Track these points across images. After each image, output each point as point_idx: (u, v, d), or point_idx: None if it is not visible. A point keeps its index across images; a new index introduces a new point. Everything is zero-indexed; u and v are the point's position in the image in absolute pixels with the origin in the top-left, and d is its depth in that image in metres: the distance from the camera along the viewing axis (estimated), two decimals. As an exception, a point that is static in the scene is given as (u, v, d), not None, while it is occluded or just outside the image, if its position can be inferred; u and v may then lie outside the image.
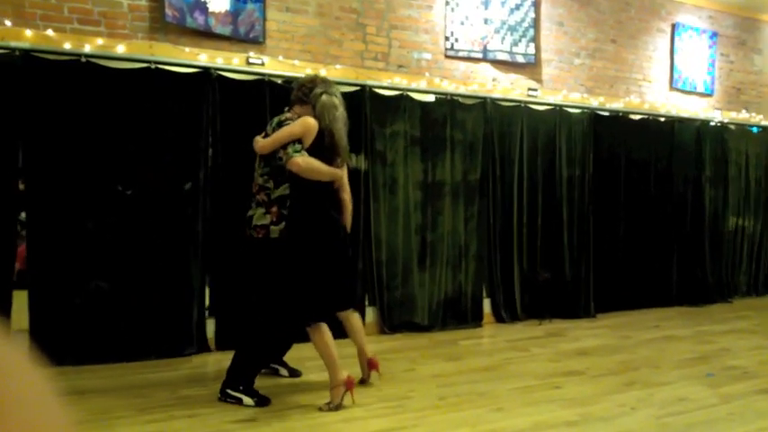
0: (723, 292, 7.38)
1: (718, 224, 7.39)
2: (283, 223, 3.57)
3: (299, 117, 3.53)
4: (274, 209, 3.60)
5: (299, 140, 3.40)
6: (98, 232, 4.34)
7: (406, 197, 5.47)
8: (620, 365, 4.53)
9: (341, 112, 3.54)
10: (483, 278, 5.89)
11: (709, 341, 5.36)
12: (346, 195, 3.79)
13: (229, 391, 3.58)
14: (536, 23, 6.36)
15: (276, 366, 4.15)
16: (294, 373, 4.14)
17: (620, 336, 5.52)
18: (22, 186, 4.33)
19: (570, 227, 6.31)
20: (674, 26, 7.39)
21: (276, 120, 3.60)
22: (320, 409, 3.47)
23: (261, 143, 3.57)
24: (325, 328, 3.48)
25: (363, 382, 3.93)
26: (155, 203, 4.49)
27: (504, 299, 5.98)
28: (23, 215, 4.37)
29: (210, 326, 4.73)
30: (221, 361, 4.46)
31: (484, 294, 5.90)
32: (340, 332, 3.84)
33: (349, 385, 3.50)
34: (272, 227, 3.59)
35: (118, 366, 4.24)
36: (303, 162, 3.34)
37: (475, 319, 5.78)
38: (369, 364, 3.92)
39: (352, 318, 3.89)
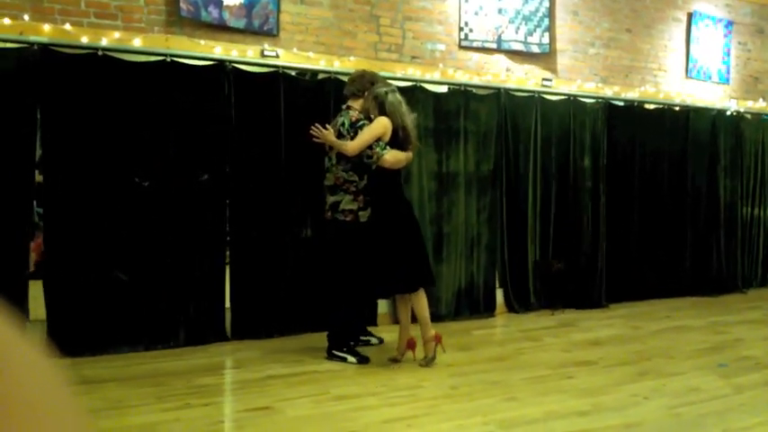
0: (737, 283, 7.34)
1: (733, 214, 7.33)
2: (369, 209, 4.15)
3: (360, 112, 4.16)
4: (361, 197, 4.17)
5: (380, 138, 4.00)
6: (115, 223, 4.40)
7: (421, 188, 5.49)
8: (632, 356, 4.54)
9: (406, 107, 4.12)
10: (496, 268, 5.92)
11: (722, 331, 5.35)
12: None
13: (335, 351, 4.23)
14: (551, 13, 6.33)
15: (366, 338, 4.72)
16: (380, 340, 4.76)
17: (633, 326, 5.52)
18: (38, 178, 4.40)
19: (584, 217, 6.30)
20: (690, 15, 7.32)
21: (346, 122, 4.15)
22: (420, 365, 4.12)
23: (351, 146, 4.02)
24: (423, 292, 4.14)
25: (396, 361, 4.21)
26: (171, 195, 4.54)
27: (516, 289, 6.00)
28: (40, 208, 4.44)
29: (228, 315, 4.79)
30: (238, 350, 4.55)
31: (497, 284, 5.93)
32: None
33: (437, 339, 4.17)
34: (360, 212, 4.17)
35: (134, 356, 4.31)
36: (392, 158, 4.00)
37: (488, 310, 5.81)
38: (408, 344, 4.22)
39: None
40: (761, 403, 3.58)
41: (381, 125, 4.02)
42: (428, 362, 4.15)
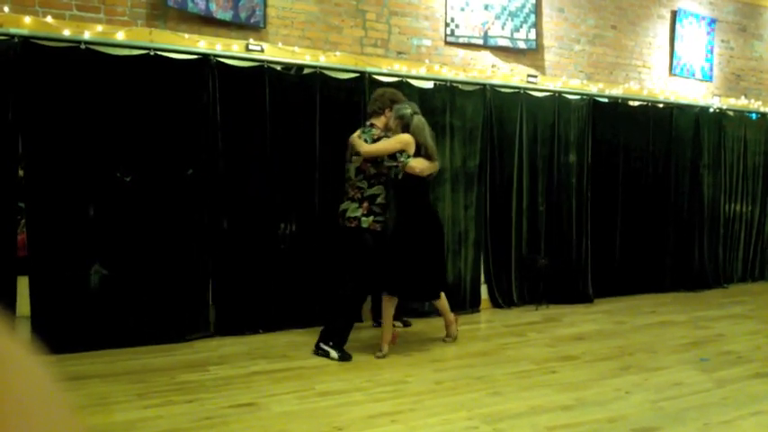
0: (719, 278, 7.43)
1: (716, 210, 7.41)
2: (372, 216, 4.31)
3: (382, 130, 4.40)
4: (365, 204, 4.33)
5: (401, 151, 4.22)
6: (98, 218, 4.36)
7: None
8: (615, 350, 4.58)
9: (429, 128, 4.37)
10: (481, 264, 5.94)
11: (705, 326, 5.41)
12: None
13: (321, 344, 4.30)
14: (537, 9, 6.34)
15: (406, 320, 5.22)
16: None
17: (617, 321, 5.57)
18: (21, 173, 4.34)
19: (568, 213, 6.34)
20: (674, 12, 7.37)
21: (368, 138, 4.36)
22: (376, 357, 4.27)
23: (366, 148, 4.28)
24: (394, 299, 4.35)
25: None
26: (154, 190, 4.51)
27: (501, 284, 6.02)
28: (22, 203, 4.39)
29: (211, 311, 4.77)
30: (222, 346, 4.52)
31: (482, 280, 5.95)
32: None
33: (393, 339, 4.41)
34: (362, 218, 4.31)
35: (117, 352, 4.27)
36: (418, 164, 4.20)
37: (473, 305, 5.83)
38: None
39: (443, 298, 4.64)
40: (742, 397, 3.62)
41: (402, 139, 4.23)
42: (378, 357, 4.29)
